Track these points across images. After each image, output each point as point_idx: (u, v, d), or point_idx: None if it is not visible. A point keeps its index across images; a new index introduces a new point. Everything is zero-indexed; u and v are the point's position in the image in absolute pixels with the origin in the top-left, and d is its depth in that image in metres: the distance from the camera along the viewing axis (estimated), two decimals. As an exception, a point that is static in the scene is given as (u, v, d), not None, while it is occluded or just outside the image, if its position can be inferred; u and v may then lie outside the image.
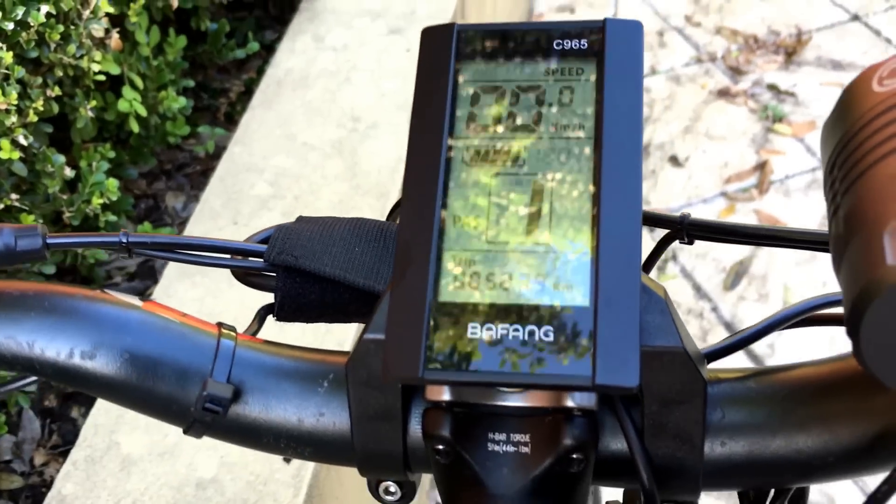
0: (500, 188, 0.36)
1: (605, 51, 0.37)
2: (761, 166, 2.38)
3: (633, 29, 0.37)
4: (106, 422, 1.12)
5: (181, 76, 1.45)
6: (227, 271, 0.47)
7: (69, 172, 1.12)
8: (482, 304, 0.34)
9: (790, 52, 2.69)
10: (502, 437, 0.36)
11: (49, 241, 0.44)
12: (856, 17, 2.81)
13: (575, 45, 0.37)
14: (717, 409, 0.36)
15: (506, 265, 0.34)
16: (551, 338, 0.32)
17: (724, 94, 2.59)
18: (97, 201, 1.14)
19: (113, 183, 1.16)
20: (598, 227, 0.34)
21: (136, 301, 0.41)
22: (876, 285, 0.25)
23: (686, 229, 0.46)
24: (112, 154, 1.25)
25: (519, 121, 0.37)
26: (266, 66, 1.63)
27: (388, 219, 0.58)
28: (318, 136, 1.47)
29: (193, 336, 0.41)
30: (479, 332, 0.33)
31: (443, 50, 0.38)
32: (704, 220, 0.46)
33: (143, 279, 1.44)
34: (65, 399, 1.30)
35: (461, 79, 0.38)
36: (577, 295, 0.33)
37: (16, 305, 0.39)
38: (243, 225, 1.34)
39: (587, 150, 0.35)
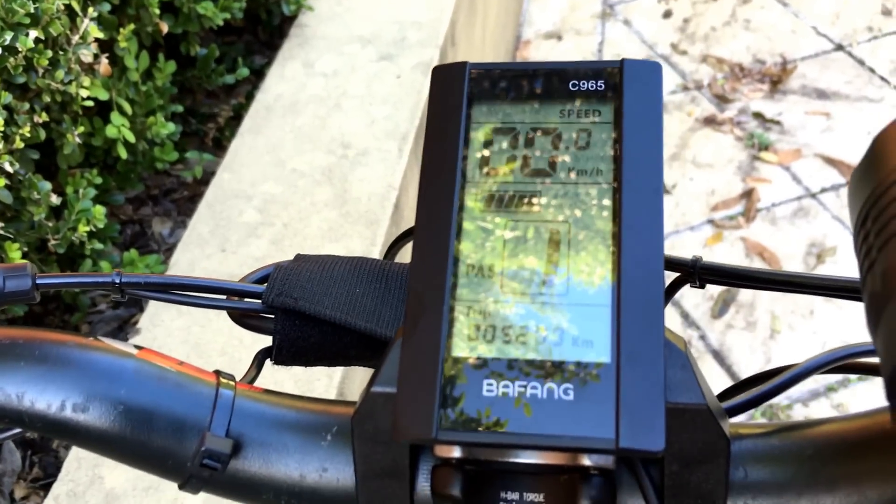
0: (515, 236, 0.34)
1: (623, 92, 0.36)
2: (748, 194, 2.38)
3: (652, 70, 0.36)
4: (89, 455, 1.09)
5: (170, 101, 1.43)
6: None
7: (55, 199, 1.10)
8: (498, 359, 0.32)
9: (775, 80, 2.70)
10: (515, 496, 0.35)
11: (39, 281, 0.42)
12: (840, 47, 2.83)
13: (592, 87, 0.36)
14: (739, 468, 0.35)
15: (522, 318, 0.33)
16: (571, 397, 0.31)
17: (710, 121, 2.60)
18: (83, 229, 1.12)
19: (100, 210, 1.14)
20: (619, 279, 0.32)
21: (130, 349, 0.40)
22: None
23: (698, 273, 0.45)
24: (99, 180, 1.23)
25: (534, 165, 0.36)
26: (255, 92, 1.61)
27: (385, 256, 0.56)
28: (308, 162, 1.45)
29: (190, 386, 0.39)
30: (495, 390, 0.32)
31: (455, 89, 0.37)
32: (717, 264, 0.45)
33: (129, 307, 1.41)
34: None
35: (474, 120, 0.37)
36: (598, 350, 0.32)
37: (4, 354, 0.38)
38: (231, 252, 1.32)
39: (606, 196, 0.34)
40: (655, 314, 0.32)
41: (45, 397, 0.37)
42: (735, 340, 2.04)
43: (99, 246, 1.18)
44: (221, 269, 1.30)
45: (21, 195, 1.04)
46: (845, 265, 2.18)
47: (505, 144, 0.36)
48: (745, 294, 2.15)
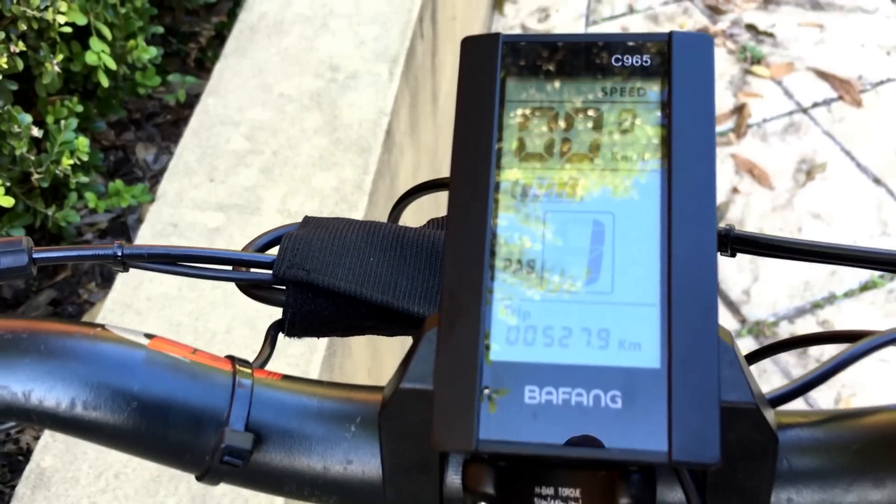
0: (555, 228, 0.32)
1: (672, 69, 0.33)
2: (739, 109, 2.35)
3: (703, 43, 0.33)
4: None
5: (149, 23, 1.38)
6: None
7: (36, 132, 1.06)
8: (540, 363, 0.30)
9: (769, -10, 2.64)
10: (550, 491, 0.34)
11: (35, 255, 0.40)
12: (836, -45, 2.76)
13: (637, 62, 0.33)
14: (783, 460, 0.34)
15: (564, 318, 0.31)
16: (619, 404, 0.29)
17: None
18: (67, 162, 1.09)
19: (83, 142, 1.11)
20: (670, 276, 0.30)
21: (141, 339, 0.38)
22: None
23: (730, 242, 0.43)
24: (80, 108, 1.19)
25: (574, 149, 0.33)
26: (237, 10, 1.55)
27: (390, 216, 0.54)
28: (296, 86, 1.41)
29: (206, 377, 0.37)
30: (537, 397, 0.30)
31: (487, 65, 0.34)
32: (750, 234, 0.43)
33: (116, 237, 1.39)
34: None
35: (508, 99, 0.34)
36: (647, 354, 0.30)
37: (9, 349, 0.36)
38: (220, 182, 1.29)
39: (655, 184, 0.32)
40: (710, 313, 0.30)
41: (53, 395, 0.35)
42: (722, 259, 2.04)
43: (84, 179, 1.15)
44: (210, 198, 1.27)
45: (0, 129, 1.00)
46: (835, 181, 2.18)
47: (543, 127, 0.33)
48: (733, 212, 2.14)
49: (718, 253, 0.44)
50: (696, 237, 0.31)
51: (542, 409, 0.30)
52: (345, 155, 1.31)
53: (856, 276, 1.99)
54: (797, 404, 0.38)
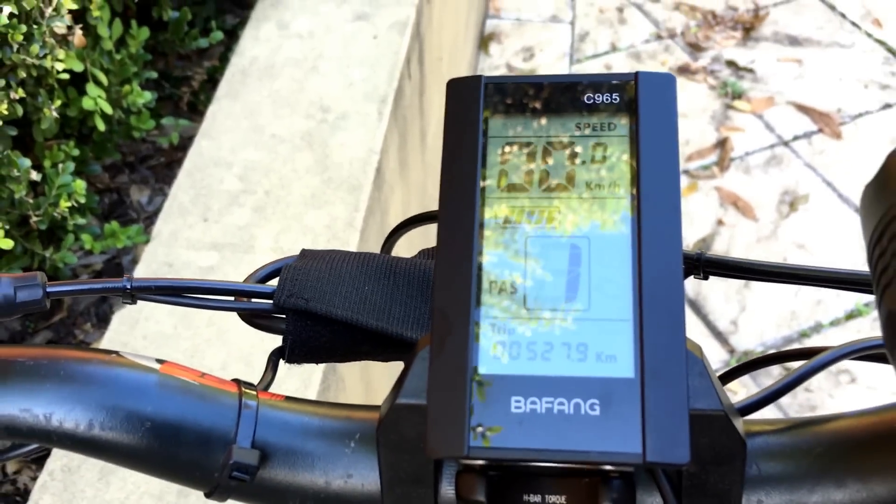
0: (535, 252, 0.35)
1: (639, 104, 0.36)
2: (721, 143, 2.40)
3: (667, 81, 0.36)
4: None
5: (143, 68, 1.41)
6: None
7: (35, 175, 1.09)
8: (524, 376, 0.33)
9: (748, 27, 2.71)
10: (538, 498, 0.36)
11: (49, 290, 0.43)
12: (811, -8, 2.83)
13: (607, 99, 0.37)
14: (752, 465, 0.36)
15: (546, 334, 0.34)
16: (598, 412, 0.32)
17: (684, 70, 2.60)
18: (65, 204, 1.11)
19: (80, 185, 1.13)
20: (641, 293, 0.33)
21: (153, 364, 0.40)
22: None
23: (703, 266, 0.46)
24: (76, 152, 1.22)
25: (552, 179, 0.36)
26: (229, 54, 1.59)
27: (383, 248, 0.57)
28: (287, 127, 1.44)
29: (214, 398, 0.40)
30: (523, 406, 0.33)
31: (470, 103, 0.37)
32: (720, 257, 0.46)
33: (111, 278, 1.41)
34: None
35: (490, 134, 0.37)
36: (622, 366, 0.33)
37: (30, 375, 0.38)
38: (214, 221, 1.32)
39: (625, 210, 0.35)
40: (677, 327, 0.33)
41: (72, 417, 0.38)
42: (710, 290, 2.07)
43: (82, 221, 1.17)
44: (205, 238, 1.30)
45: (0, 173, 1.03)
46: (818, 212, 2.22)
47: (523, 159, 0.36)
48: (718, 243, 2.18)
49: (692, 276, 0.47)
50: (664, 257, 0.34)
51: (528, 417, 0.32)
52: (336, 193, 1.34)
53: (841, 304, 2.02)
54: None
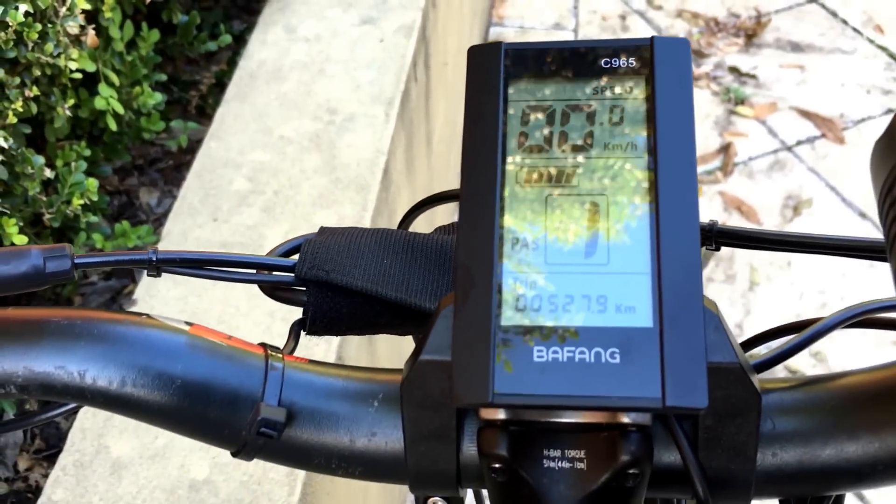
0: (556, 209, 0.36)
1: (655, 68, 0.37)
2: (725, 148, 2.41)
3: (681, 46, 0.38)
4: (93, 426, 1.11)
5: (153, 70, 1.43)
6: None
7: (49, 173, 1.10)
8: (546, 326, 0.34)
9: (750, 34, 2.72)
10: (557, 453, 0.37)
11: (77, 261, 0.44)
12: (813, -1, 2.85)
13: (623, 64, 0.38)
14: (767, 420, 0.37)
15: (567, 287, 0.35)
16: (618, 360, 0.33)
17: (687, 77, 2.61)
18: (77, 202, 1.12)
19: (93, 183, 1.15)
20: (659, 246, 0.34)
21: (182, 325, 0.41)
22: None
23: (715, 236, 0.47)
24: (88, 152, 1.23)
25: (571, 140, 0.37)
26: (237, 58, 1.61)
27: (400, 225, 0.58)
28: (295, 129, 1.46)
29: (242, 359, 0.41)
30: (545, 356, 0.33)
31: (492, 69, 0.38)
32: (732, 228, 0.47)
33: (120, 277, 1.42)
34: (45, 402, 1.28)
35: (511, 98, 0.38)
36: (640, 316, 0.34)
37: (64, 334, 0.39)
38: (223, 221, 1.33)
39: (642, 169, 0.36)
40: (694, 280, 0.34)
41: (106, 374, 0.39)
42: (716, 293, 2.08)
43: (94, 219, 1.18)
44: (214, 238, 1.31)
45: (15, 170, 1.04)
46: (821, 216, 2.23)
47: (542, 122, 0.38)
48: (724, 248, 2.18)
49: (704, 247, 0.48)
50: (681, 214, 0.35)
51: (550, 366, 0.33)
52: (344, 193, 1.35)
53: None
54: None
